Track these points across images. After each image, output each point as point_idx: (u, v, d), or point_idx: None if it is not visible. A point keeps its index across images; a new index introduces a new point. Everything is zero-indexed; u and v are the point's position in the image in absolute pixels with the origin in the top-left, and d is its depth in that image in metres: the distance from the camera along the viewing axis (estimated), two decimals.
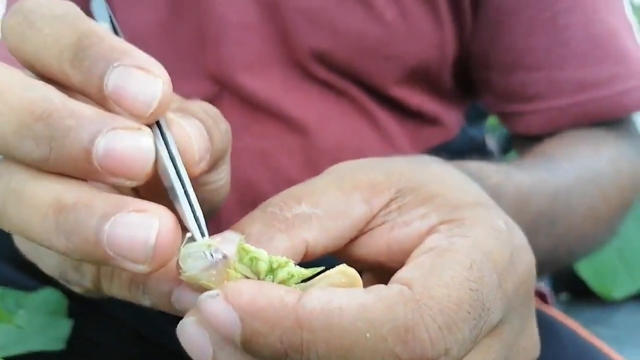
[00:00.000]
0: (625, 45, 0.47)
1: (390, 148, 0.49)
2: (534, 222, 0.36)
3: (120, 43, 0.19)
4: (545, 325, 0.44)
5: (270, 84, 0.47)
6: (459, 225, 0.21)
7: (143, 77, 0.19)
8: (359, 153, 0.49)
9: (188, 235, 0.20)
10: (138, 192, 0.25)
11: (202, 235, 0.20)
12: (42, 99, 0.18)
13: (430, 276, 0.19)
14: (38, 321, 0.40)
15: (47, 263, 0.25)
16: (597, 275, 1.18)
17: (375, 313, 0.17)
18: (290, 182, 0.47)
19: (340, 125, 0.48)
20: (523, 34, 0.46)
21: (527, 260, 0.22)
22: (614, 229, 0.47)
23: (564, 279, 1.35)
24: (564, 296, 1.40)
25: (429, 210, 0.22)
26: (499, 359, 0.21)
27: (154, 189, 0.21)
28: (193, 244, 0.19)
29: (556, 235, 0.39)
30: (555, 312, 0.49)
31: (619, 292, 1.17)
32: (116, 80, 0.19)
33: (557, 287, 1.37)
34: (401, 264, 0.22)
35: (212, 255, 0.19)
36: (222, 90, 0.47)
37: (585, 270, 1.18)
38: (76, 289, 0.27)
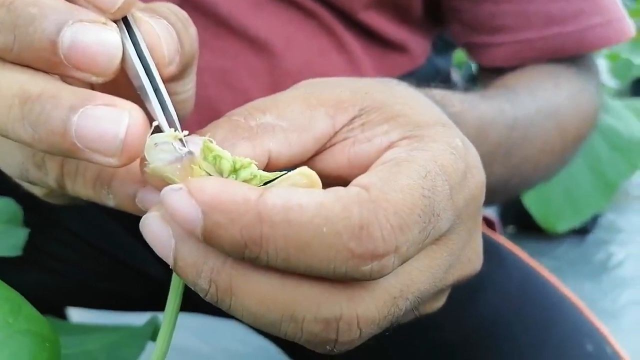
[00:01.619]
0: None
1: (356, 73, 0.49)
2: (491, 151, 0.37)
3: None
4: (492, 250, 0.47)
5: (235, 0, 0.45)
6: (419, 141, 0.22)
7: None
8: (325, 76, 0.48)
9: (155, 124, 0.20)
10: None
11: (174, 128, 0.20)
12: None
13: (388, 182, 0.19)
14: None
15: (8, 162, 0.24)
16: (543, 209, 1.24)
17: (333, 211, 0.18)
18: None
19: (306, 48, 0.47)
20: None
21: (478, 177, 0.23)
22: (567, 162, 0.49)
23: (511, 213, 1.42)
24: (510, 229, 1.47)
25: (392, 128, 0.23)
26: (444, 265, 0.22)
27: (122, 91, 0.21)
28: (160, 134, 0.19)
29: (511, 165, 0.41)
30: (502, 239, 0.51)
31: (562, 225, 1.23)
32: None
33: (504, 220, 1.44)
34: None
35: (179, 148, 0.19)
36: (183, 3, 0.45)
37: (532, 204, 1.24)
38: (36, 191, 0.27)
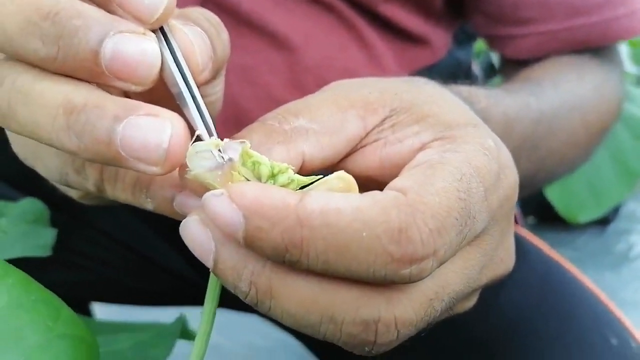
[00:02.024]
0: None
1: (377, 67, 0.48)
2: (517, 146, 0.37)
3: None
4: (514, 243, 0.46)
5: None
6: (451, 142, 0.22)
7: None
8: (345, 72, 0.48)
9: (197, 133, 0.20)
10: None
11: (211, 135, 0.20)
12: None
13: (424, 185, 0.19)
14: (20, 229, 0.40)
15: (48, 166, 0.25)
16: (565, 200, 1.23)
17: (371, 215, 0.18)
18: (274, 100, 0.47)
19: (326, 43, 0.47)
20: None
21: (511, 178, 0.23)
22: (591, 153, 0.48)
23: (531, 204, 1.40)
24: (530, 219, 1.46)
25: (422, 129, 0.23)
26: (478, 265, 0.22)
27: (156, 98, 0.21)
28: (201, 142, 0.20)
29: (537, 158, 0.40)
30: (524, 232, 0.51)
31: (584, 216, 1.22)
32: None
33: (524, 211, 1.42)
34: (393, 179, 0.22)
35: (219, 155, 0.19)
36: (205, 1, 0.45)
37: (554, 195, 1.23)
38: (72, 194, 0.27)
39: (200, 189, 0.20)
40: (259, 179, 0.20)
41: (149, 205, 0.23)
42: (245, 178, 0.20)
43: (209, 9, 0.49)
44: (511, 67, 0.52)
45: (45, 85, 0.19)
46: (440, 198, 0.19)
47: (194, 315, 0.56)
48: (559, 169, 0.45)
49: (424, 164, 0.21)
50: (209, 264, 0.19)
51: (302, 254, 0.18)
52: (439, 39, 0.52)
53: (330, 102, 0.23)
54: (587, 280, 0.47)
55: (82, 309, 0.66)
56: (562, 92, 0.42)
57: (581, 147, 0.45)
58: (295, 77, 0.47)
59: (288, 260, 0.18)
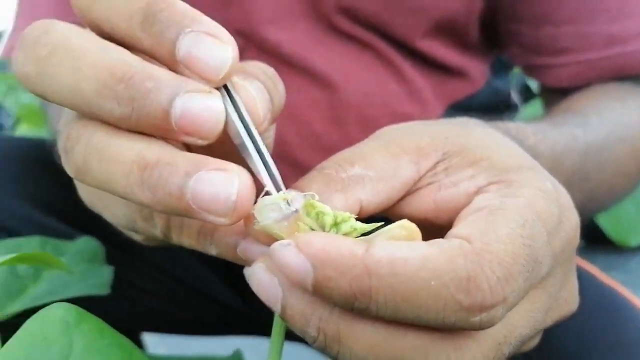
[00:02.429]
0: None
1: (417, 101, 0.49)
2: (567, 179, 0.36)
3: (189, 9, 0.20)
4: None
5: (296, 37, 0.47)
6: (509, 186, 0.22)
7: (214, 44, 0.20)
8: (385, 107, 0.49)
9: (266, 188, 0.21)
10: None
11: (278, 188, 0.22)
12: (121, 61, 0.20)
13: (488, 232, 0.20)
14: (79, 268, 0.42)
15: (115, 214, 0.26)
16: (615, 223, 1.19)
17: (438, 263, 0.18)
18: (316, 136, 0.48)
19: (365, 79, 0.48)
20: None
21: (573, 220, 0.23)
22: None
23: (581, 227, 1.36)
24: (581, 243, 1.41)
25: (477, 172, 0.23)
26: (543, 308, 0.22)
27: (219, 151, 0.22)
28: (271, 196, 0.21)
29: (588, 190, 0.40)
30: (577, 259, 0.50)
31: (635, 239, 1.18)
32: (188, 46, 0.20)
33: None
34: (447, 222, 0.23)
35: (286, 207, 0.20)
36: (247, 44, 0.47)
37: (604, 218, 1.19)
38: (136, 237, 0.29)
39: (267, 238, 0.21)
40: (323, 228, 0.20)
41: (212, 251, 0.24)
42: (310, 227, 0.20)
43: (252, 52, 0.51)
44: (551, 95, 0.51)
45: (120, 142, 0.20)
46: (506, 245, 0.19)
47: (241, 346, 0.57)
48: (608, 199, 0.44)
49: (483, 209, 0.21)
50: (277, 309, 0.20)
51: (371, 302, 0.18)
52: (477, 70, 0.53)
53: (383, 149, 0.24)
54: None
55: (133, 341, 0.68)
56: (607, 122, 0.42)
57: (630, 176, 0.44)
58: (336, 113, 0.48)
59: (357, 307, 0.19)
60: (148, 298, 0.56)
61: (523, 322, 0.22)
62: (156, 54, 0.21)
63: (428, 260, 0.18)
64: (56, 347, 0.21)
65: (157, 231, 0.25)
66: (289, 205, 0.21)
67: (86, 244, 0.45)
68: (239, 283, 0.60)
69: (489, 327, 0.19)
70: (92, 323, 0.22)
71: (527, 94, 1.21)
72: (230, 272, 0.56)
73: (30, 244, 0.40)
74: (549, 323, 0.24)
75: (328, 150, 0.48)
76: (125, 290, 0.54)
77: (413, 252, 0.19)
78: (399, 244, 0.19)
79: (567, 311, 0.25)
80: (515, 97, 0.60)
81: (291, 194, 0.21)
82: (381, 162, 0.24)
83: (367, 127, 0.48)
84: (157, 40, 0.20)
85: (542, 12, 0.47)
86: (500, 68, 0.57)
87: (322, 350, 0.20)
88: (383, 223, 0.21)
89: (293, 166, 0.49)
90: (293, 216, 0.20)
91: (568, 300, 0.25)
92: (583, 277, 0.46)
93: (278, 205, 0.21)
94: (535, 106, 1.03)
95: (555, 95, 0.50)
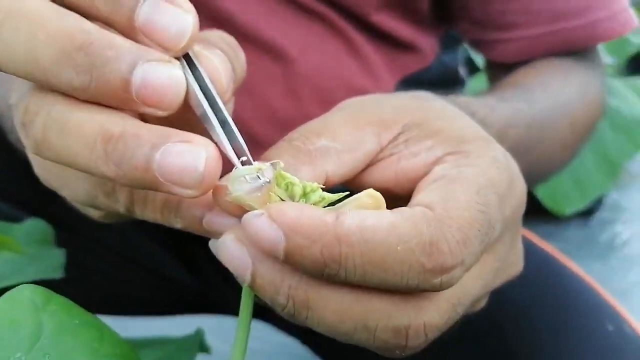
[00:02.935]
0: None
1: (370, 74, 0.50)
2: (511, 150, 0.38)
3: None
4: None
5: (249, 8, 0.46)
6: (465, 157, 0.23)
7: (174, 11, 0.20)
8: (339, 80, 0.49)
9: (243, 159, 0.21)
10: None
11: (243, 156, 0.21)
12: (80, 29, 0.19)
13: (447, 200, 0.21)
14: (29, 251, 0.40)
15: (74, 189, 0.25)
16: (551, 193, 1.26)
17: (404, 230, 0.19)
18: (271, 109, 0.48)
19: (320, 52, 0.48)
20: None
21: (520, 187, 0.25)
22: (578, 153, 0.50)
23: None
24: None
25: (435, 143, 0.24)
26: (493, 270, 0.24)
27: (175, 123, 0.22)
28: (244, 167, 0.21)
29: (530, 161, 0.42)
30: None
31: (570, 208, 1.25)
32: (148, 14, 0.20)
33: None
34: (407, 191, 0.24)
35: (258, 178, 0.21)
36: (199, 14, 0.46)
37: (540, 189, 1.25)
38: (93, 213, 0.28)
39: (237, 209, 0.21)
40: (292, 198, 0.21)
41: (177, 224, 0.24)
42: (280, 198, 0.21)
43: (202, 22, 0.50)
44: (496, 70, 0.53)
45: (81, 115, 0.20)
46: (463, 212, 0.21)
47: (197, 324, 0.57)
48: (549, 169, 0.47)
49: (442, 178, 0.22)
50: (246, 279, 0.20)
51: (341, 268, 0.19)
52: (427, 44, 0.54)
53: (348, 121, 0.25)
54: (580, 270, 0.49)
55: None
56: (549, 97, 0.44)
57: (569, 147, 0.47)
58: (291, 86, 0.48)
59: (327, 274, 0.19)
60: (100, 280, 0.54)
61: (475, 284, 0.23)
62: (114, 21, 0.20)
63: (395, 227, 0.19)
64: (26, 329, 0.20)
65: (120, 206, 0.25)
66: (260, 177, 0.21)
67: (34, 225, 0.44)
68: (193, 261, 0.59)
69: (448, 287, 0.21)
70: (60, 303, 0.22)
71: (471, 69, 1.24)
72: (183, 250, 0.56)
73: None
74: (497, 284, 0.25)
75: (283, 123, 0.48)
76: (76, 272, 0.52)
77: (380, 220, 0.19)
78: (367, 212, 0.20)
79: (514, 272, 0.27)
80: (463, 72, 0.62)
81: (263, 165, 0.21)
82: (346, 134, 0.24)
83: (322, 100, 0.48)
84: (115, 7, 0.20)
85: None
86: (449, 43, 0.58)
87: (291, 317, 0.21)
88: (349, 193, 0.22)
89: (248, 139, 0.48)
90: (265, 187, 0.21)
91: (514, 263, 0.27)
92: (523, 243, 0.49)
93: (250, 176, 0.21)
94: (479, 80, 1.07)
95: (500, 70, 0.52)
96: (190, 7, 0.20)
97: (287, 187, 0.21)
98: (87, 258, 0.52)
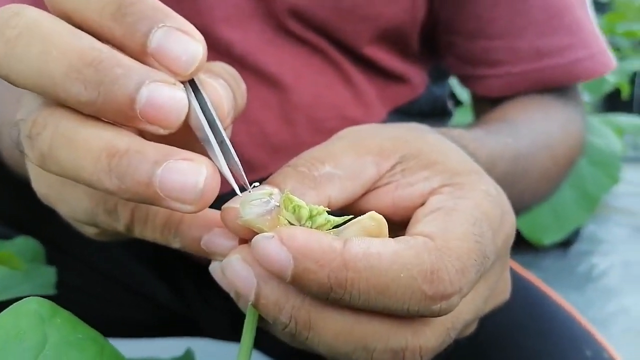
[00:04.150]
0: (578, 17, 0.50)
1: (362, 104, 0.51)
2: (498, 182, 0.40)
3: (159, 4, 0.21)
4: None
5: (248, 38, 0.47)
6: (459, 189, 0.25)
7: (186, 40, 0.21)
8: (333, 109, 0.51)
9: (255, 184, 0.22)
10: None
11: (240, 179, 0.22)
12: (91, 47, 0.20)
13: (447, 230, 0.22)
14: (21, 268, 0.40)
15: (74, 206, 0.26)
16: (530, 224, 1.28)
17: (407, 258, 0.21)
18: (265, 135, 0.49)
19: (314, 81, 0.49)
20: (488, 3, 0.49)
21: (510, 220, 0.26)
22: (559, 186, 0.52)
23: None
24: None
25: (431, 174, 0.26)
26: (484, 297, 0.25)
27: (175, 144, 0.22)
28: (255, 191, 0.22)
29: (515, 194, 0.43)
30: None
31: (548, 239, 1.28)
32: (160, 40, 0.21)
33: None
34: (403, 218, 0.25)
35: (270, 202, 0.22)
36: None
37: (519, 220, 1.27)
38: (89, 231, 0.28)
39: (246, 232, 0.22)
40: (299, 220, 0.22)
41: (176, 244, 0.25)
42: (288, 221, 0.22)
43: None
44: (481, 103, 0.55)
45: (88, 130, 0.20)
46: (462, 242, 0.22)
47: (186, 346, 0.57)
48: (532, 201, 0.48)
49: (440, 209, 0.24)
50: (250, 297, 0.21)
51: (346, 292, 0.20)
52: (417, 76, 0.55)
53: (349, 150, 0.26)
54: (560, 298, 0.51)
55: None
56: (533, 131, 0.46)
57: (552, 180, 0.49)
58: (286, 113, 0.49)
59: (331, 297, 0.20)
60: (83, 299, 0.54)
61: (468, 309, 0.24)
62: (126, 45, 0.21)
63: (399, 256, 0.21)
64: (30, 340, 0.21)
65: (120, 224, 0.25)
66: (270, 200, 0.22)
67: (25, 243, 0.44)
68: (175, 282, 0.59)
69: (446, 314, 0.22)
70: (65, 317, 0.22)
71: (454, 103, 1.28)
72: (166, 270, 0.56)
73: None
74: (486, 310, 0.27)
75: (276, 148, 0.49)
76: (61, 291, 0.52)
77: (385, 248, 0.21)
78: (372, 240, 0.21)
79: (502, 299, 0.28)
80: (450, 105, 0.64)
81: (273, 189, 0.22)
82: (348, 162, 0.25)
83: (315, 128, 0.49)
84: (129, 31, 0.21)
85: (476, 26, 0.50)
86: (438, 76, 0.61)
87: (292, 337, 0.22)
88: (353, 216, 0.23)
89: (241, 163, 0.49)
90: (275, 210, 0.22)
91: (503, 290, 0.28)
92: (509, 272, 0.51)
93: (260, 200, 0.22)
94: (462, 114, 1.09)
95: (485, 103, 0.54)
96: (201, 38, 0.21)
97: (295, 209, 0.22)
98: (72, 277, 0.52)
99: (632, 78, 2.28)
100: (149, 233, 0.25)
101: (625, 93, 1.95)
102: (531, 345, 0.45)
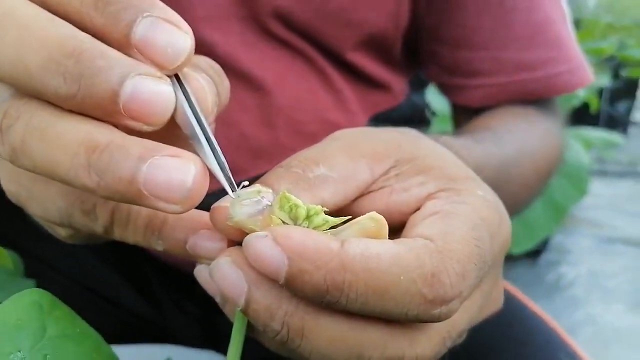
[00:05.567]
0: (559, 32, 0.51)
1: (343, 110, 0.51)
2: None
3: None
4: None
5: (230, 39, 0.47)
6: (457, 194, 0.24)
7: (173, 31, 0.20)
8: (314, 113, 0.50)
9: (244, 183, 0.21)
10: None
11: (227, 178, 0.21)
12: (72, 36, 0.19)
13: (447, 233, 0.21)
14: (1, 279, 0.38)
15: (46, 206, 0.24)
16: None
17: (407, 260, 0.20)
18: (245, 137, 0.49)
19: (296, 85, 0.49)
20: (473, 12, 0.49)
21: (507, 227, 0.26)
22: (539, 195, 0.53)
23: None
24: None
25: (427, 179, 0.25)
26: (478, 305, 0.25)
27: (160, 141, 0.21)
28: (244, 190, 0.21)
29: None
30: None
31: (518, 248, 1.30)
32: (145, 31, 0.19)
33: None
34: (397, 223, 0.25)
35: (261, 201, 0.20)
36: None
37: None
38: (61, 232, 0.27)
39: (237, 233, 0.21)
40: (296, 220, 0.21)
41: (159, 247, 0.24)
42: (282, 221, 0.21)
43: None
44: (462, 113, 0.56)
45: (65, 123, 0.19)
46: (462, 246, 0.21)
47: (154, 353, 0.55)
48: (513, 209, 0.49)
49: (437, 213, 0.23)
50: (240, 303, 0.20)
51: (342, 295, 0.19)
52: (398, 84, 0.56)
53: (343, 152, 0.25)
54: (535, 306, 0.52)
55: None
56: (516, 141, 0.46)
57: (532, 189, 0.49)
58: (266, 116, 0.49)
59: (327, 301, 0.19)
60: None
61: (463, 317, 0.23)
62: (108, 35, 0.20)
63: (398, 258, 0.20)
64: (30, 329, 0.20)
65: (98, 226, 0.24)
66: (262, 199, 0.21)
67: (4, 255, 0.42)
68: (147, 288, 0.58)
69: (445, 319, 0.21)
70: (65, 311, 0.22)
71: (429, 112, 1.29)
72: (137, 275, 0.55)
73: None
74: (480, 319, 0.26)
75: (256, 151, 0.49)
76: None
77: (384, 250, 0.20)
78: (371, 241, 0.20)
79: (495, 308, 0.27)
80: (429, 113, 0.64)
81: (263, 188, 0.21)
82: (342, 164, 0.25)
83: (295, 131, 0.49)
84: (112, 20, 0.19)
85: (459, 36, 0.51)
86: (418, 84, 0.61)
87: (282, 344, 0.21)
88: (351, 217, 0.22)
89: None
90: (267, 210, 0.21)
91: (496, 299, 0.27)
92: None
93: (251, 199, 0.21)
94: (437, 124, 1.10)
95: (465, 113, 0.55)
96: (188, 29, 0.20)
97: (291, 209, 0.21)
98: (43, 284, 0.50)
99: (600, 93, 2.35)
100: (130, 235, 0.24)
101: (594, 107, 2.01)
102: (507, 353, 0.45)
